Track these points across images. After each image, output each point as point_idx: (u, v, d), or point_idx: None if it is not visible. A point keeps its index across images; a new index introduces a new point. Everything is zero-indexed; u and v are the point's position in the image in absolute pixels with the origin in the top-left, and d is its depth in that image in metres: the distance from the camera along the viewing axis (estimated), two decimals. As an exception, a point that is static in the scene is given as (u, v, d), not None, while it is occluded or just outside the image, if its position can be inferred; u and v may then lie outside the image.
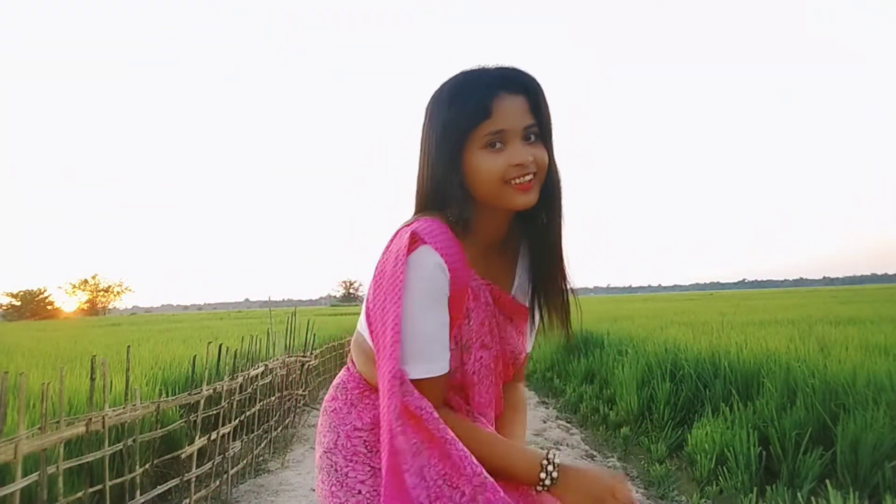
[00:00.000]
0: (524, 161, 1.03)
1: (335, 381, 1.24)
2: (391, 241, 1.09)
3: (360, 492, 1.11)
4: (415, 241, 1.02)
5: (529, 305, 1.18)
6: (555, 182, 1.11)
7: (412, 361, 1.02)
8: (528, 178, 1.04)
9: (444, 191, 1.07)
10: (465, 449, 1.01)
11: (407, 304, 1.00)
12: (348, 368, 1.23)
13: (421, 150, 1.12)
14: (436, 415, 1.01)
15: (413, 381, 1.02)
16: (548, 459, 1.03)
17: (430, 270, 1.01)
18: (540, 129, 1.07)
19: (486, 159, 1.03)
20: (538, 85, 1.08)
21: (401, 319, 1.00)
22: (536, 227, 1.14)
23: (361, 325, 1.15)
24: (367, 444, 1.14)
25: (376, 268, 1.08)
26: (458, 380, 1.10)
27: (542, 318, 1.18)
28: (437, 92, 1.10)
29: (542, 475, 1.02)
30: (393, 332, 1.00)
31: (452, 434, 1.02)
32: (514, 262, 1.19)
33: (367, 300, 1.09)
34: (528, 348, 1.24)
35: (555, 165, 1.11)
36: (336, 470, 1.14)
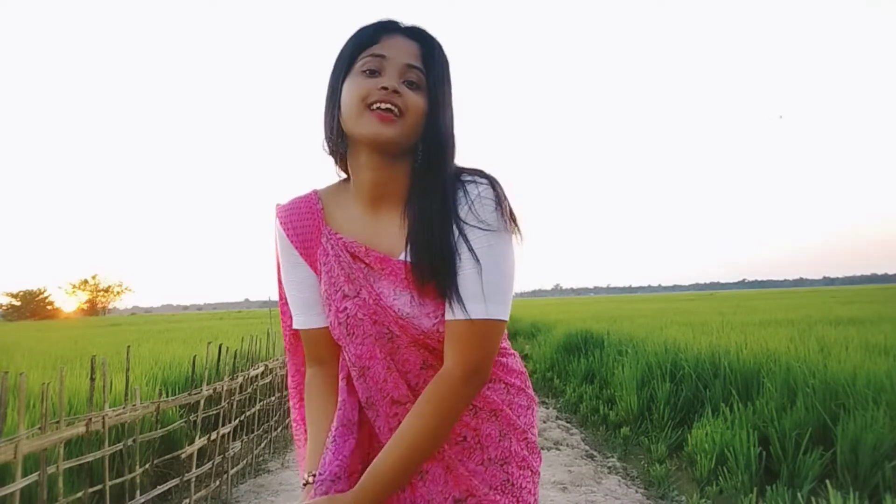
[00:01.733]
0: (389, 85, 0.98)
1: None
2: None
3: None
4: (276, 213, 1.14)
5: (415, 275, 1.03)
6: (440, 141, 1.03)
7: (293, 314, 1.16)
8: (388, 106, 0.98)
9: (326, 127, 1.09)
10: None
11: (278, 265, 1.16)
12: None
13: None
14: (295, 378, 1.23)
15: (294, 331, 1.18)
16: (307, 482, 1.04)
17: (276, 234, 1.13)
18: (427, 79, 1.02)
19: (356, 82, 1.01)
20: (438, 44, 1.05)
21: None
22: (417, 189, 1.05)
23: None
24: None
25: None
26: (336, 333, 1.09)
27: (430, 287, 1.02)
28: None
29: (304, 481, 1.06)
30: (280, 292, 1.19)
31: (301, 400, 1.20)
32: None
33: None
34: (448, 314, 1.00)
35: (445, 127, 1.04)
36: None
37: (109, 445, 2.89)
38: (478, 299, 0.98)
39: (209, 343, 4.64)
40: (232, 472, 4.15)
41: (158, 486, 3.32)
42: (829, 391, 3.96)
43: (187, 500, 3.50)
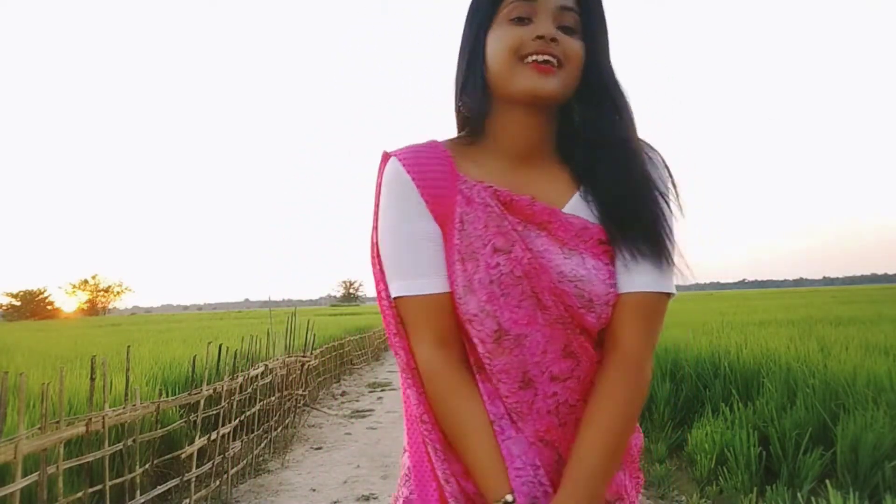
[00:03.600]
0: (546, 33, 0.86)
1: None
2: None
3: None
4: (384, 158, 0.96)
5: (607, 231, 0.94)
6: (605, 90, 0.93)
7: (391, 279, 0.93)
8: (546, 57, 0.86)
9: (463, 82, 0.95)
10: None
11: (379, 219, 0.95)
12: None
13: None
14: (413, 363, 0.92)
15: (395, 301, 0.92)
16: (506, 502, 0.85)
17: (392, 178, 0.93)
18: (583, 21, 0.90)
19: (503, 32, 0.89)
20: None
21: (377, 237, 0.95)
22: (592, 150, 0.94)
23: None
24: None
25: None
26: (482, 295, 0.89)
27: (625, 248, 0.92)
28: None
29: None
30: (372, 252, 0.96)
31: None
32: (572, 183, 0.97)
33: None
34: (631, 285, 0.91)
35: (609, 74, 0.93)
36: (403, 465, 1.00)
37: (109, 445, 2.90)
38: (664, 271, 0.91)
39: (209, 343, 4.64)
40: (232, 472, 4.15)
41: (158, 486, 3.33)
42: (829, 391, 3.96)
43: (187, 500, 3.50)
